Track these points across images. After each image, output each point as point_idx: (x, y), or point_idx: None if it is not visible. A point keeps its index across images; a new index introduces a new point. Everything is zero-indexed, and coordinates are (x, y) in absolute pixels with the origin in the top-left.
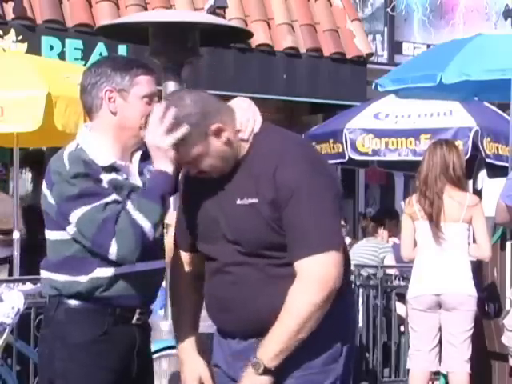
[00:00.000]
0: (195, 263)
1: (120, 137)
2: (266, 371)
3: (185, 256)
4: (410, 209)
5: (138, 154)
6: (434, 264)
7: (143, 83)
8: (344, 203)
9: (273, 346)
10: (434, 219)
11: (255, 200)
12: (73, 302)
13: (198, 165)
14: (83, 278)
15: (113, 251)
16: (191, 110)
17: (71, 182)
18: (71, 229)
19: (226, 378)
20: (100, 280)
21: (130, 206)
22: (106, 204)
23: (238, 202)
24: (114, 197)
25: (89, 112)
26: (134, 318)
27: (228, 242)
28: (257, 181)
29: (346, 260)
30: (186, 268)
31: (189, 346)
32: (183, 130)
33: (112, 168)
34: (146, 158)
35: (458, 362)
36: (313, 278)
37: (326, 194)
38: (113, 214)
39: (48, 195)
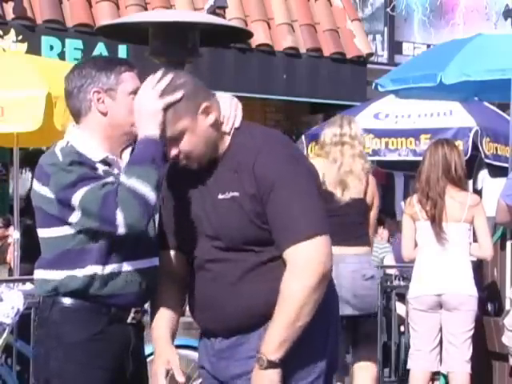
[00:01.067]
0: (178, 262)
1: (111, 135)
2: (271, 365)
3: (168, 254)
4: (411, 209)
5: (128, 151)
6: (435, 264)
7: (129, 79)
8: (324, 194)
9: (273, 338)
10: (437, 220)
11: (236, 194)
12: (68, 301)
13: (180, 142)
14: (79, 272)
15: (120, 222)
16: (186, 81)
17: (67, 169)
18: (75, 216)
19: (211, 378)
20: (93, 277)
21: (123, 177)
22: (105, 183)
23: (220, 196)
24: (111, 179)
25: (77, 115)
26: (129, 317)
27: (209, 239)
28: (237, 175)
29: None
30: (168, 266)
31: (162, 335)
32: (178, 94)
33: (105, 162)
34: None
35: (459, 362)
36: (304, 263)
37: (306, 182)
38: (112, 189)
39: (42, 190)
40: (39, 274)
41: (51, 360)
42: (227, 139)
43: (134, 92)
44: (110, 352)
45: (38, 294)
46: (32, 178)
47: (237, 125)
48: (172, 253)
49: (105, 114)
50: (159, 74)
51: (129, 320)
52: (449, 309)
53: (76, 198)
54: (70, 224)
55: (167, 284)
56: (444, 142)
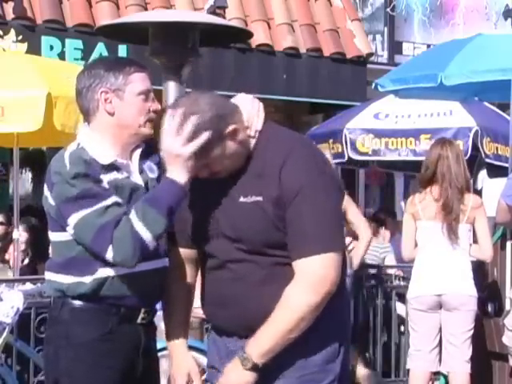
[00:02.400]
0: (192, 261)
1: (120, 135)
2: (254, 368)
3: (182, 253)
4: (413, 208)
5: (138, 152)
6: (435, 264)
7: (138, 80)
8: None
9: (264, 343)
10: (453, 219)
11: (259, 198)
12: (77, 302)
13: (212, 167)
14: (87, 279)
15: (109, 256)
16: (209, 115)
17: (71, 182)
18: (70, 230)
19: None
20: (104, 280)
21: (133, 214)
22: (107, 208)
23: (241, 199)
24: (114, 199)
25: (86, 115)
26: (139, 318)
27: (229, 240)
28: (261, 179)
29: (343, 260)
30: (181, 266)
31: (179, 342)
32: (204, 136)
33: (113, 167)
34: (145, 155)
35: (459, 362)
36: (310, 278)
37: (329, 195)
38: (112, 220)
39: (48, 196)
40: (49, 275)
41: (61, 359)
42: (251, 143)
43: (143, 93)
44: (119, 352)
45: (48, 294)
46: (32, 178)
47: (259, 127)
48: (184, 251)
49: (112, 114)
50: (180, 113)
51: (139, 320)
52: (449, 309)
53: (72, 220)
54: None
55: (179, 284)
56: (447, 143)
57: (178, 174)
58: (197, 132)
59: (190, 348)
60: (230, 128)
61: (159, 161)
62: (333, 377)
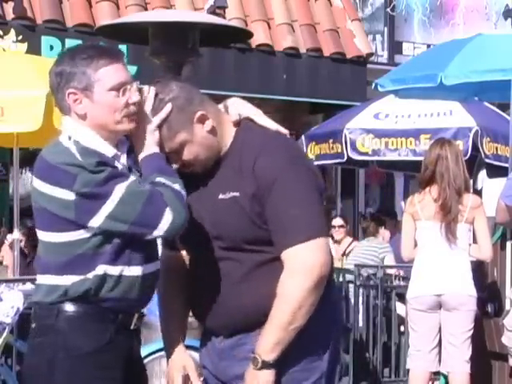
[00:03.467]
0: (183, 262)
1: (99, 133)
2: (265, 365)
3: (172, 255)
4: (412, 208)
5: (125, 148)
6: (435, 264)
7: (107, 74)
8: (325, 198)
9: (269, 338)
10: (452, 220)
11: (236, 194)
12: (74, 308)
13: (182, 153)
14: (90, 275)
15: (164, 223)
16: (176, 94)
17: (95, 169)
18: (98, 219)
19: (213, 378)
20: (104, 278)
21: (160, 178)
22: (138, 181)
23: (221, 196)
24: (134, 177)
25: (63, 113)
26: (133, 324)
27: (211, 238)
28: (238, 175)
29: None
30: (174, 268)
31: (175, 342)
32: (167, 109)
33: (116, 157)
34: (131, 151)
35: (459, 362)
36: (301, 265)
37: (305, 183)
38: (152, 186)
39: (56, 192)
40: (46, 279)
41: (56, 371)
42: (230, 139)
43: (115, 88)
44: (117, 362)
45: (39, 300)
46: (32, 178)
47: (242, 115)
48: (177, 253)
49: (84, 116)
50: (145, 91)
51: (132, 326)
52: (448, 309)
53: (117, 193)
54: (86, 227)
55: (175, 285)
56: (446, 143)
57: (149, 148)
58: (161, 106)
59: (189, 347)
60: (198, 113)
61: None
62: (319, 374)
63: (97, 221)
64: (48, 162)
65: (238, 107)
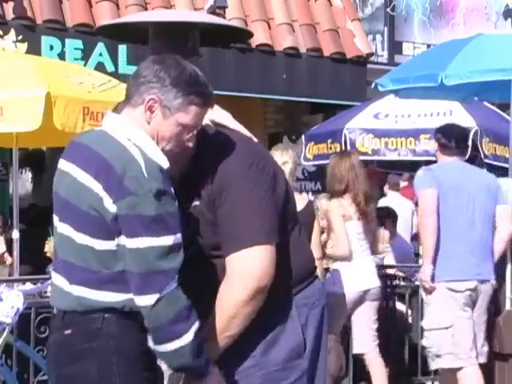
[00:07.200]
0: None
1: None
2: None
3: None
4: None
5: None
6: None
7: (191, 113)
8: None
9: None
10: None
11: (197, 203)
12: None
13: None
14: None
15: (149, 301)
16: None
17: (151, 199)
18: (120, 241)
19: None
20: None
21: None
22: (170, 249)
23: (187, 205)
24: (178, 237)
25: (127, 98)
26: None
27: (188, 246)
28: (200, 183)
29: (288, 265)
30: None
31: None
32: None
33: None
34: None
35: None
36: (237, 273)
37: (258, 189)
38: (173, 269)
39: (105, 198)
40: (84, 291)
41: (113, 377)
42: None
43: (186, 127)
44: (154, 362)
45: (76, 307)
46: (32, 178)
47: (214, 121)
48: None
49: (148, 122)
50: None
51: None
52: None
53: (135, 243)
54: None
55: None
56: None
57: None
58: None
59: None
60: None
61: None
62: (299, 373)
63: (118, 241)
64: (112, 168)
65: (210, 113)
